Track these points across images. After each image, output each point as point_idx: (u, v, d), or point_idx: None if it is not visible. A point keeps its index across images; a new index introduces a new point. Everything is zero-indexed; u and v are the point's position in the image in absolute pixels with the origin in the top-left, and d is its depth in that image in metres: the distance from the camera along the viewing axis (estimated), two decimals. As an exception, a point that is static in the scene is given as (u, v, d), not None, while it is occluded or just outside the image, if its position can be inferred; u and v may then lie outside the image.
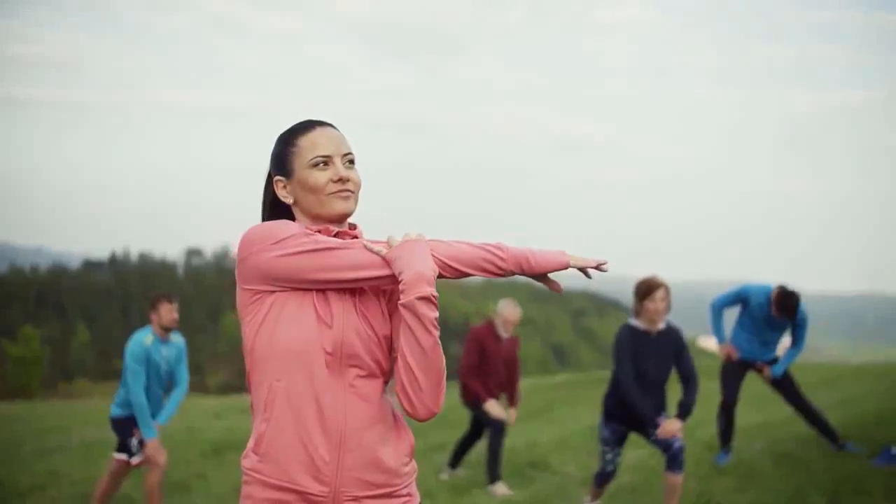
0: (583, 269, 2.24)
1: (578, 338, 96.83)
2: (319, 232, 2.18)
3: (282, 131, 2.28)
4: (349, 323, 2.12)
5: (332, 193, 2.18)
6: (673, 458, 5.30)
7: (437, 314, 2.08)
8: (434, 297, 2.07)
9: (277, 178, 2.25)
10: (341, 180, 2.17)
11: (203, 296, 69.73)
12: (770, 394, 10.23)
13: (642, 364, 5.38)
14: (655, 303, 5.34)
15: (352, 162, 2.22)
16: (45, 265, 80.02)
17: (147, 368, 6.17)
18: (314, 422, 2.09)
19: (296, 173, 2.20)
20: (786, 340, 7.19)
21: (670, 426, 5.26)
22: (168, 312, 6.24)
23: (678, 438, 5.30)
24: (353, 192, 2.20)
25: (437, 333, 2.09)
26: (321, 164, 2.18)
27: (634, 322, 5.46)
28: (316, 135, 2.21)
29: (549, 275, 2.24)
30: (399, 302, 2.08)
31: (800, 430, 8.09)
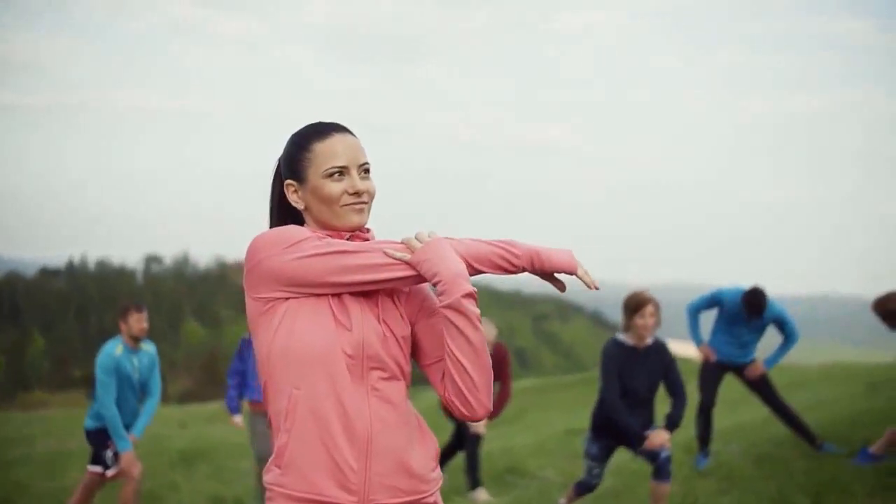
0: (582, 279, 2.19)
1: (540, 342, 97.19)
2: (331, 236, 2.11)
3: (295, 131, 2.20)
4: (368, 325, 2.06)
5: (347, 205, 2.11)
6: (660, 467, 5.27)
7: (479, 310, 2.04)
8: (475, 292, 2.03)
9: (289, 181, 2.17)
10: (357, 193, 2.11)
11: (163, 303, 68.89)
12: (744, 396, 10.29)
13: (631, 380, 5.33)
14: (645, 318, 5.29)
15: (367, 171, 2.15)
16: (0, 273, 78.68)
17: (118, 379, 6.03)
18: (338, 428, 2.01)
19: (309, 181, 2.13)
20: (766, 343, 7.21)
21: (658, 438, 5.22)
22: (137, 322, 6.11)
23: (665, 448, 5.26)
24: (367, 203, 2.14)
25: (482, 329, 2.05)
26: (337, 175, 2.11)
27: (622, 337, 5.41)
28: (333, 142, 2.13)
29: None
30: (442, 304, 2.02)
31: (776, 432, 8.11)
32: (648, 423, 5.41)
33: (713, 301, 7.13)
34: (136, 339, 6.13)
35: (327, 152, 2.11)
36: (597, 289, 2.21)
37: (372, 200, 2.16)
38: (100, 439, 6.16)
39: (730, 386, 8.12)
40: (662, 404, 5.45)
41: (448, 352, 2.04)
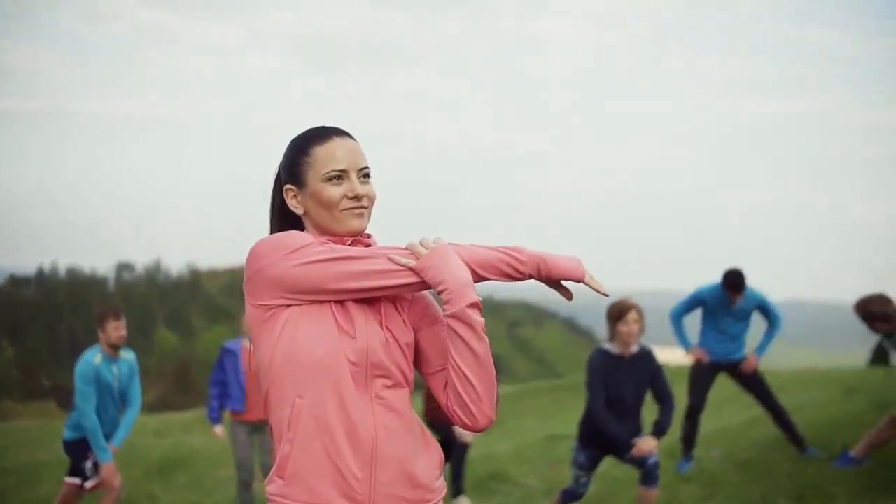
0: (589, 286, 2.17)
1: (514, 349, 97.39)
2: (332, 242, 2.08)
3: (295, 136, 2.17)
4: (372, 332, 2.03)
5: (346, 210, 2.08)
6: (648, 473, 5.26)
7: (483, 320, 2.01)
8: (480, 302, 2.00)
9: (288, 186, 2.14)
10: (356, 197, 2.08)
11: (134, 311, 68.31)
12: (727, 399, 10.35)
13: (618, 388, 5.31)
14: (628, 325, 5.28)
15: (367, 176, 2.12)
16: (-31, 282, 77.69)
17: (98, 388, 5.94)
18: (343, 437, 1.98)
19: (309, 185, 2.10)
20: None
21: (645, 445, 5.21)
22: (115, 330, 6.00)
23: (653, 455, 5.26)
24: (367, 207, 2.11)
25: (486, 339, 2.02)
26: (336, 179, 2.08)
27: (608, 346, 5.39)
28: (333, 146, 2.10)
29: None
30: (447, 313, 1.99)
31: (757, 436, 8.15)
32: (636, 431, 5.40)
33: (694, 302, 7.16)
34: (114, 348, 6.03)
35: (327, 156, 2.09)
36: (606, 295, 2.19)
37: (372, 205, 2.13)
38: (79, 450, 6.06)
39: (713, 389, 8.13)
40: (648, 411, 5.45)
41: (451, 362, 2.02)
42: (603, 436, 5.32)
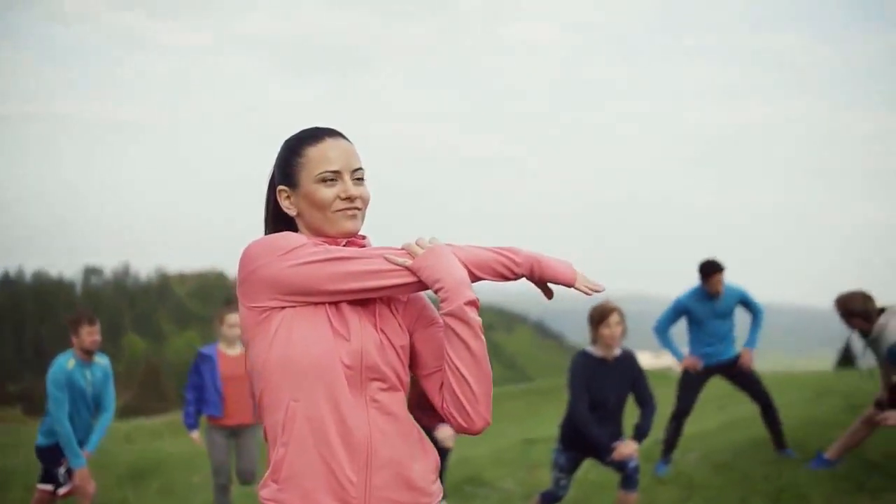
0: (580, 290, 2.15)
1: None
2: (326, 243, 2.06)
3: (289, 136, 2.15)
4: (367, 335, 2.01)
5: (339, 211, 2.06)
6: (628, 477, 5.27)
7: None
8: (478, 300, 1.98)
9: (281, 187, 2.12)
10: (349, 198, 2.06)
11: (102, 316, 66.77)
12: (700, 403, 10.40)
13: (600, 391, 5.31)
14: (610, 328, 5.28)
15: (361, 178, 2.10)
16: (-67, 286, 76.53)
17: (71, 394, 5.86)
18: (338, 441, 1.95)
19: (301, 186, 2.08)
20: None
21: (626, 448, 5.21)
22: (89, 335, 5.93)
23: (634, 459, 5.26)
24: (360, 209, 2.09)
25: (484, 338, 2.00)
26: (329, 180, 2.06)
27: (590, 349, 5.40)
28: (326, 147, 2.08)
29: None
30: (443, 311, 1.97)
31: (731, 439, 8.20)
32: (617, 434, 5.40)
33: (676, 312, 7.16)
34: (88, 353, 5.96)
35: (320, 157, 2.07)
36: (601, 290, 2.16)
37: (366, 207, 2.11)
38: (52, 456, 5.98)
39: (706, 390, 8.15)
40: (629, 415, 5.46)
41: (448, 361, 1.99)
42: (584, 438, 5.32)
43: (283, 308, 1.97)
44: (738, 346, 7.24)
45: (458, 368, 1.98)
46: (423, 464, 2.06)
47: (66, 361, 5.89)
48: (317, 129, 2.13)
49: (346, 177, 2.07)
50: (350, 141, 2.14)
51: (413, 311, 2.12)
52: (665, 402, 6.98)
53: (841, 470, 6.37)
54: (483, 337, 2.00)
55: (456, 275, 1.97)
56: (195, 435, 6.79)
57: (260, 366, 2.00)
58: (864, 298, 5.91)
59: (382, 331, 2.04)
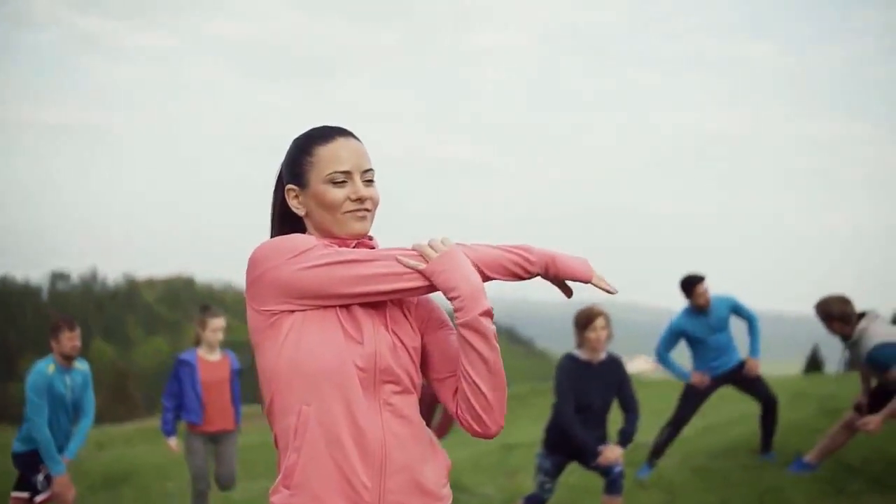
0: (598, 287, 2.14)
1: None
2: (336, 245, 2.03)
3: (299, 134, 2.11)
4: (380, 337, 1.98)
5: (349, 212, 2.02)
6: (613, 482, 5.29)
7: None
8: (492, 309, 1.97)
9: (290, 186, 2.08)
10: (360, 199, 2.02)
11: (69, 322, 66.91)
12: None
13: (587, 395, 5.32)
14: (596, 332, 5.30)
15: (371, 179, 2.06)
16: None
17: (51, 400, 5.79)
18: (351, 445, 1.91)
19: (311, 186, 2.04)
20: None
21: (611, 453, 5.23)
22: (69, 339, 5.86)
23: (619, 464, 5.28)
24: (370, 210, 2.05)
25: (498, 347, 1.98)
26: (339, 181, 2.02)
27: (576, 352, 5.41)
28: (337, 146, 2.04)
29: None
30: (459, 321, 1.95)
31: (710, 443, 8.25)
32: (602, 438, 5.42)
33: (673, 336, 7.18)
34: (68, 358, 5.88)
35: (330, 157, 2.03)
36: (614, 292, 2.15)
37: (376, 208, 2.07)
38: (29, 463, 5.88)
39: (664, 400, 8.20)
40: (615, 421, 5.48)
41: (463, 371, 1.98)
42: (570, 442, 5.33)
43: (294, 312, 1.94)
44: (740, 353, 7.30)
45: (473, 379, 1.96)
46: (435, 467, 2.04)
47: (45, 367, 5.82)
48: (328, 127, 2.09)
49: (357, 178, 2.03)
50: (360, 140, 2.10)
51: (423, 313, 2.10)
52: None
53: (821, 474, 6.43)
54: (497, 345, 1.99)
55: (472, 283, 1.95)
56: (173, 442, 6.72)
57: (270, 370, 1.96)
58: (844, 302, 5.95)
59: (395, 332, 2.01)
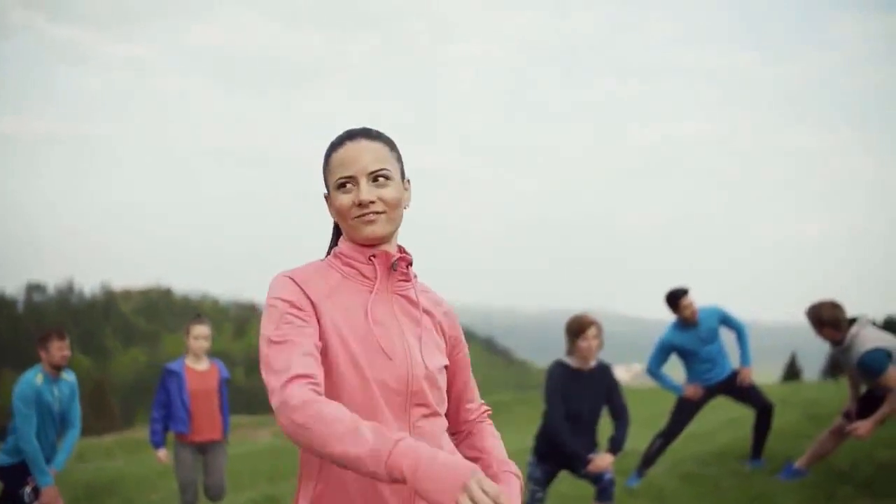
0: None
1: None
2: (356, 253, 1.99)
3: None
4: (413, 358, 1.94)
5: (356, 218, 1.95)
6: (603, 490, 5.28)
7: None
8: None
9: (325, 194, 2.06)
10: (361, 204, 1.94)
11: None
12: (662, 417, 10.48)
13: (577, 402, 5.33)
14: (588, 341, 5.31)
15: (385, 178, 1.97)
16: None
17: (39, 410, 5.73)
18: None
19: (330, 194, 2.01)
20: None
21: (601, 461, 5.24)
22: (59, 350, 5.80)
23: (609, 471, 5.29)
24: (381, 212, 1.95)
25: None
26: (345, 186, 1.96)
27: (567, 360, 5.42)
28: (343, 151, 1.98)
29: None
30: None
31: (696, 451, 8.29)
32: (592, 445, 5.43)
33: (663, 351, 7.20)
34: (57, 368, 5.83)
35: (337, 163, 1.98)
36: None
37: (393, 209, 1.97)
38: (16, 475, 5.81)
39: (653, 405, 8.22)
40: (604, 429, 5.49)
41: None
42: (560, 450, 5.33)
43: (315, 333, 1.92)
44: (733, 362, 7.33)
45: None
46: None
47: (33, 377, 5.76)
48: (344, 132, 2.04)
49: (362, 181, 1.95)
50: (379, 139, 2.02)
51: (454, 333, 2.12)
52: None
53: (811, 479, 6.46)
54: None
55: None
56: (162, 453, 6.66)
57: None
58: (835, 308, 5.96)
59: (427, 354, 1.98)
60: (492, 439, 2.17)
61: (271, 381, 1.79)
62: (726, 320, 7.17)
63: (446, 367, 2.08)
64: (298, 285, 1.92)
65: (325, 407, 1.71)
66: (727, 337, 7.32)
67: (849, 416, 6.22)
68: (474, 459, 2.11)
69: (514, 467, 2.11)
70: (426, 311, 2.05)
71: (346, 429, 1.67)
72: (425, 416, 1.95)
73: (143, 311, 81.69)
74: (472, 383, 2.21)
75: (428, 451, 1.64)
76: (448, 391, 2.12)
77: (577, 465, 5.31)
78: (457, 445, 2.15)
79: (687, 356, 7.16)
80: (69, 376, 6.01)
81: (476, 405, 2.21)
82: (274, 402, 1.77)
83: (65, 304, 77.56)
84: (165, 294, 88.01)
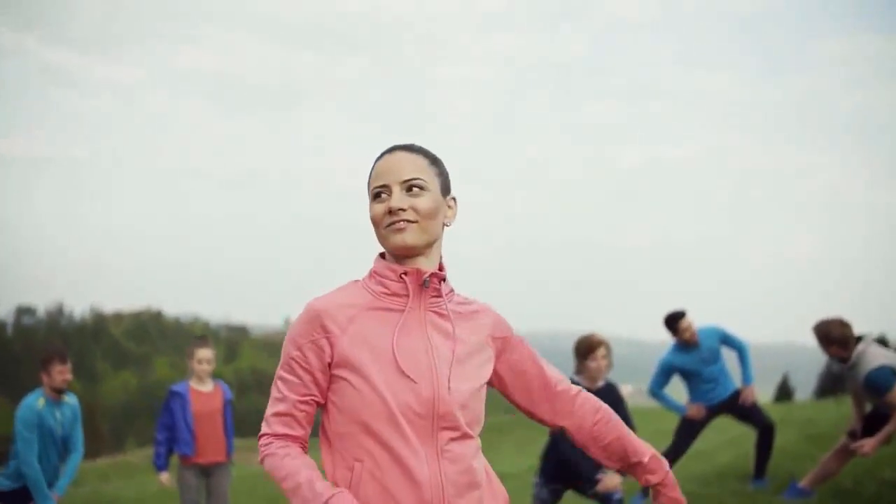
0: None
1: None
2: (383, 280, 2.00)
3: None
4: (439, 380, 1.92)
5: (387, 226, 1.96)
6: None
7: None
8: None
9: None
10: (390, 211, 1.95)
11: (35, 357, 65.59)
12: (660, 437, 10.46)
13: None
14: (597, 361, 5.32)
15: (419, 188, 1.96)
16: None
17: (41, 434, 5.70)
18: (410, 500, 1.87)
19: (369, 204, 2.03)
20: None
21: (611, 481, 5.23)
22: (60, 373, 5.79)
23: (618, 491, 5.28)
24: (411, 220, 1.94)
25: None
26: (380, 196, 1.98)
27: (576, 379, 5.42)
28: (381, 163, 2.02)
29: None
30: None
31: (696, 470, 8.27)
32: (599, 465, 5.42)
33: (664, 373, 7.22)
34: (58, 392, 5.81)
35: (374, 174, 2.02)
36: None
37: (426, 219, 1.96)
38: (18, 500, 5.77)
39: (649, 428, 8.20)
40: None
41: None
42: (567, 469, 5.32)
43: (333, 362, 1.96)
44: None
45: None
46: None
47: (35, 401, 5.74)
48: (386, 148, 2.06)
49: (395, 189, 1.96)
50: (419, 152, 2.04)
51: (501, 336, 2.10)
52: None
53: (814, 498, 6.45)
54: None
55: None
56: (164, 476, 6.62)
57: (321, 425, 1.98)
58: (842, 325, 5.96)
59: (457, 373, 1.95)
60: (621, 427, 2.26)
61: (264, 419, 2.02)
62: (727, 340, 7.18)
63: (492, 381, 2.08)
64: (319, 317, 1.95)
65: (280, 462, 1.92)
66: (727, 356, 7.34)
67: (854, 436, 6.22)
68: (633, 465, 2.21)
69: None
70: (462, 324, 2.02)
71: (291, 485, 1.88)
72: (454, 439, 1.93)
73: (133, 333, 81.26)
74: (550, 368, 2.20)
75: None
76: (529, 391, 2.13)
77: (585, 485, 5.30)
78: (599, 448, 2.22)
79: (689, 377, 7.17)
80: (71, 399, 5.99)
81: (567, 384, 2.22)
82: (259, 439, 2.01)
83: (54, 327, 77.05)
84: (156, 317, 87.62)
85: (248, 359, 75.12)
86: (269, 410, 1.98)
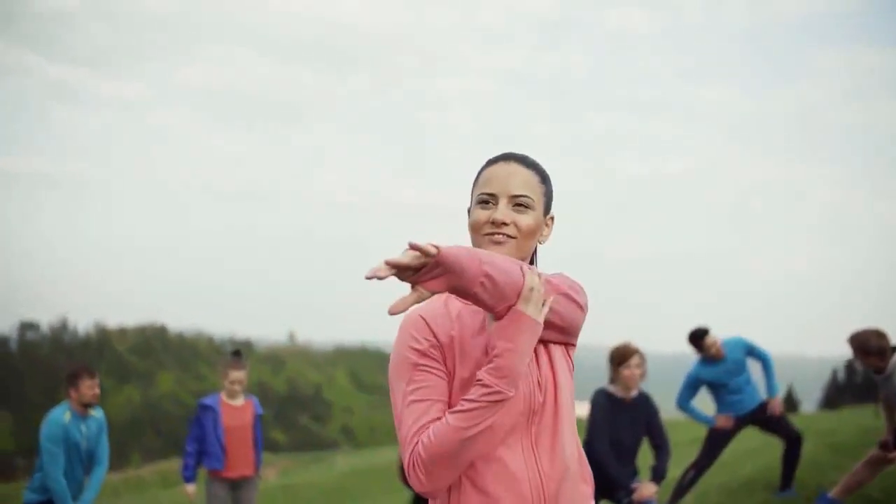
0: None
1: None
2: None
3: None
4: (533, 376, 1.92)
5: (486, 235, 1.96)
6: None
7: None
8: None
9: (468, 208, 2.07)
10: (494, 222, 1.95)
11: (39, 373, 65.75)
12: (684, 447, 10.43)
13: (618, 431, 5.34)
14: (631, 369, 5.32)
15: (525, 206, 1.97)
16: None
17: (66, 448, 5.68)
18: (515, 500, 1.85)
19: (470, 208, 2.04)
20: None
21: (646, 490, 5.22)
22: (89, 388, 5.80)
23: (653, 501, 5.26)
24: (511, 237, 1.96)
25: None
26: (485, 202, 1.98)
27: (610, 388, 5.42)
28: (493, 169, 2.02)
29: None
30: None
31: (722, 482, 8.23)
32: (633, 474, 5.41)
33: (692, 386, 7.23)
34: (86, 406, 5.80)
35: (483, 180, 2.02)
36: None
37: (525, 237, 1.97)
38: (43, 513, 5.75)
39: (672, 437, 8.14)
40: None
41: None
42: (603, 478, 5.29)
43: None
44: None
45: None
46: (585, 497, 1.99)
47: (61, 415, 5.72)
48: (501, 154, 2.07)
49: (503, 201, 1.97)
50: (533, 167, 2.04)
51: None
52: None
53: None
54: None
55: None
56: (191, 488, 6.60)
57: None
58: (879, 336, 5.92)
59: (554, 369, 1.96)
60: None
61: (402, 435, 1.85)
62: (752, 351, 7.20)
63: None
64: (429, 326, 1.92)
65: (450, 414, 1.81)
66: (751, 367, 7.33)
67: (885, 446, 6.18)
68: None
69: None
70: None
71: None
72: (548, 431, 1.93)
73: (137, 349, 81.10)
74: None
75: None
76: None
77: (620, 494, 5.28)
78: None
79: (716, 388, 7.18)
80: (97, 413, 5.98)
81: None
82: (405, 459, 1.83)
83: (58, 342, 76.92)
84: (160, 332, 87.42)
85: (253, 373, 74.87)
86: (412, 419, 1.85)
